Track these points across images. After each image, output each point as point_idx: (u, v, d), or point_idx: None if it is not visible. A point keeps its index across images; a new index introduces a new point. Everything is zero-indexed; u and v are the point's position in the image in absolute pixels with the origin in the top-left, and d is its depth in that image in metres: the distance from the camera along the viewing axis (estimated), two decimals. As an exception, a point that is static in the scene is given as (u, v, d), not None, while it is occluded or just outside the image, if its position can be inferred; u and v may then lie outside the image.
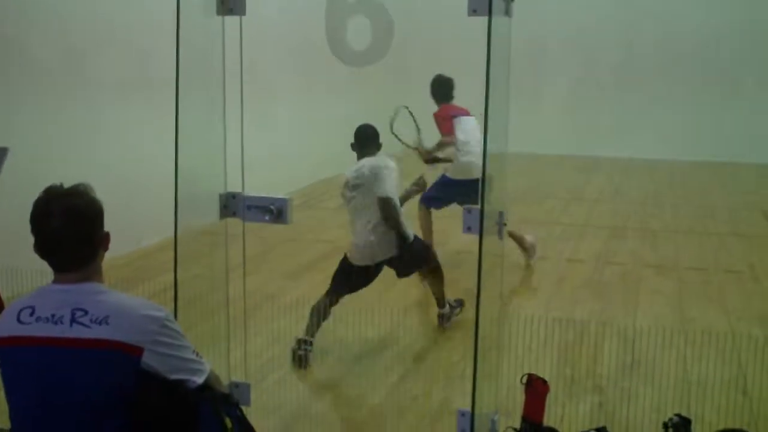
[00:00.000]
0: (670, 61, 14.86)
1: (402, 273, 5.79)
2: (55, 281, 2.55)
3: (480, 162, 3.20)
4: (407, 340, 5.50)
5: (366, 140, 5.63)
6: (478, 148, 6.74)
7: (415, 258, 5.67)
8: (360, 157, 5.60)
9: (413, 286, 6.78)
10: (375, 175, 5.40)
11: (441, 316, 5.99)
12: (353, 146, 5.67)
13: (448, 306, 6.01)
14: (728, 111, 14.54)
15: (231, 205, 3.47)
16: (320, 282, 6.89)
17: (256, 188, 3.59)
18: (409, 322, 5.90)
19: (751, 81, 14.51)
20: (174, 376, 2.49)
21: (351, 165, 5.54)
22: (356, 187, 5.44)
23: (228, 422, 2.51)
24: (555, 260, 8.01)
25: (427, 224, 7.53)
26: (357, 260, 5.50)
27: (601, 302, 6.67)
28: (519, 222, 8.63)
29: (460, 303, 6.13)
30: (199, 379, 2.55)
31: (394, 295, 6.49)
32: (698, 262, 8.09)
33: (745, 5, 14.42)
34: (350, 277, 5.51)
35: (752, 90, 14.54)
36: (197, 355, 2.60)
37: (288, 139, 10.97)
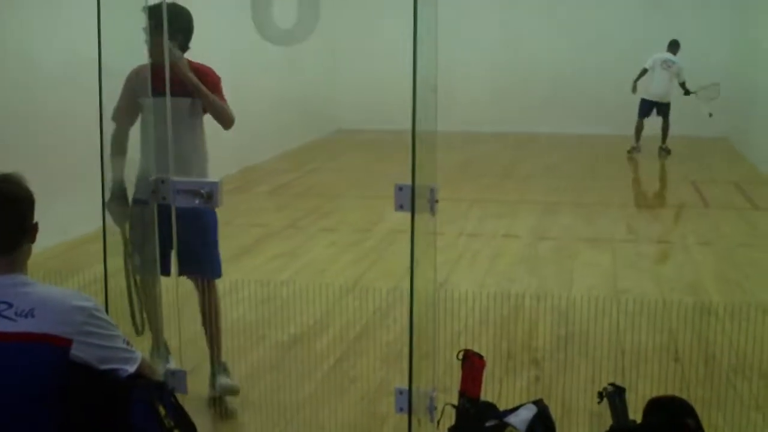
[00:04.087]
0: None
1: None
2: (-22, 274, 2.47)
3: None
4: (343, 321, 5.49)
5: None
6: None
7: None
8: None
9: (350, 265, 6.79)
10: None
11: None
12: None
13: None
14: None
15: (161, 189, 3.41)
16: (257, 266, 6.85)
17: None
18: (344, 303, 5.88)
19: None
20: (105, 366, 2.45)
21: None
22: None
23: (162, 410, 2.48)
24: (489, 237, 8.06)
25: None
26: None
27: (536, 277, 6.73)
28: (451, 201, 8.68)
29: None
30: (131, 368, 2.51)
31: (329, 278, 6.48)
32: (631, 235, 8.21)
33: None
34: None
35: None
36: (128, 344, 2.56)
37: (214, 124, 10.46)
